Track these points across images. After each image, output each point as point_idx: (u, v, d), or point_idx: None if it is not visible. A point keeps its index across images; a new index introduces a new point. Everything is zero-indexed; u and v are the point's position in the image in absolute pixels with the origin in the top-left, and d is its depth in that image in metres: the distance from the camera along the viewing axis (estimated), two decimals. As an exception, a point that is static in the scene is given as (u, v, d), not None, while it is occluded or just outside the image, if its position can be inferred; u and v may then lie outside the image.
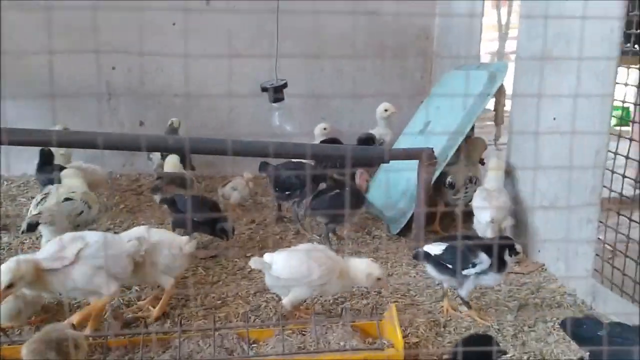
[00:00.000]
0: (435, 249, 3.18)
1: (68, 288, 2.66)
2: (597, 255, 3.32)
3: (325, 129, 5.35)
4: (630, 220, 3.11)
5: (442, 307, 3.32)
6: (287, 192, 4.45)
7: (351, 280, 2.97)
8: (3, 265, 2.50)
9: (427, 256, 3.19)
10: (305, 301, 3.11)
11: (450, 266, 3.11)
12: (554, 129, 3.68)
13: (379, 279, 2.94)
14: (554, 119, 3.68)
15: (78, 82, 5.50)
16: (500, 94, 4.72)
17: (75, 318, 2.72)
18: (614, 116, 3.42)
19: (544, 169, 3.75)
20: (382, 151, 4.30)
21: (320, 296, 3.23)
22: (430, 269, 3.23)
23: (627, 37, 3.39)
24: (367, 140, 4.88)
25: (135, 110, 5.89)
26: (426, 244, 3.30)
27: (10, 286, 2.47)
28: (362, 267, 2.94)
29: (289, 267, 2.88)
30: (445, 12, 5.83)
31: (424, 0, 6.03)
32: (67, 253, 2.64)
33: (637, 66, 3.17)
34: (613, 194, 3.21)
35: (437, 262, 3.17)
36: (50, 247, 2.71)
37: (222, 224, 3.83)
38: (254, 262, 2.93)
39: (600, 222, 3.28)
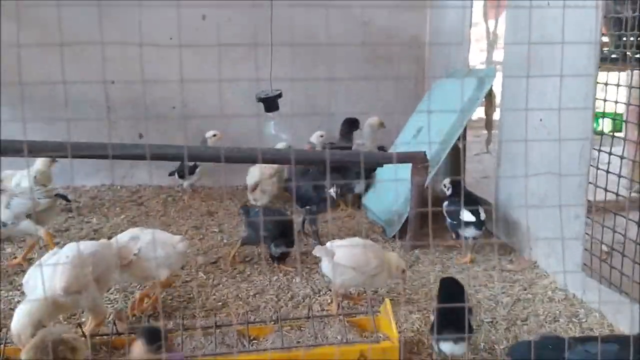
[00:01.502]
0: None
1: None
2: (585, 250, 3.42)
3: (322, 136, 5.48)
4: (616, 214, 3.22)
5: None
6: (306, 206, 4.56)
7: (389, 274, 3.24)
8: None
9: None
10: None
11: None
12: (540, 129, 3.81)
13: (404, 271, 3.28)
14: (541, 119, 3.80)
15: (78, 95, 5.62)
16: (490, 99, 4.86)
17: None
18: (612, 118, 3.56)
19: (535, 174, 3.86)
20: (380, 156, 4.42)
21: (364, 289, 3.44)
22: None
23: (616, 45, 3.56)
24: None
25: (134, 122, 6.01)
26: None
27: None
28: (394, 260, 3.26)
29: (350, 255, 3.15)
30: (436, 21, 5.98)
31: (416, 9, 6.17)
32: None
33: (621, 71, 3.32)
34: (609, 195, 3.31)
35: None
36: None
37: (276, 248, 3.89)
38: (318, 250, 3.27)
39: (588, 217, 3.38)
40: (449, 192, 4.31)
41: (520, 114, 4.10)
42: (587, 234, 3.39)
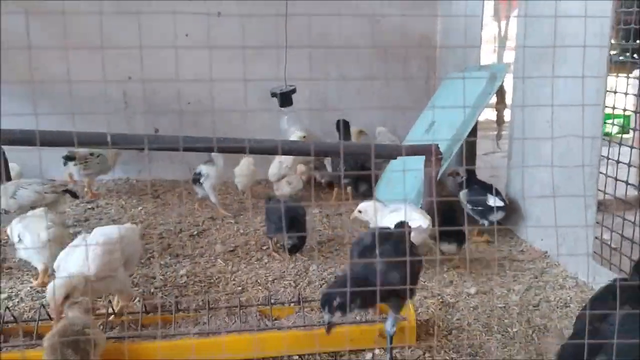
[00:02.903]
0: None
1: None
2: (596, 238, 3.51)
3: (304, 137, 5.55)
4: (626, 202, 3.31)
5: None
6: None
7: None
8: None
9: None
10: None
11: None
12: (552, 122, 3.90)
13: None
14: (552, 112, 3.89)
15: (95, 91, 5.74)
16: (500, 94, 4.95)
17: None
18: (615, 125, 3.66)
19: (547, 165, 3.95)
20: (394, 148, 4.53)
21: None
22: None
23: (623, 49, 3.64)
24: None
25: (150, 118, 6.12)
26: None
27: None
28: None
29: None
30: (447, 20, 6.08)
31: (427, 8, 6.27)
32: None
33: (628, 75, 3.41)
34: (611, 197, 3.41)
35: None
36: None
37: (290, 241, 3.97)
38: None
39: (599, 206, 3.48)
40: (461, 180, 4.47)
41: (531, 109, 4.20)
42: (597, 222, 3.49)
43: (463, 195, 4.40)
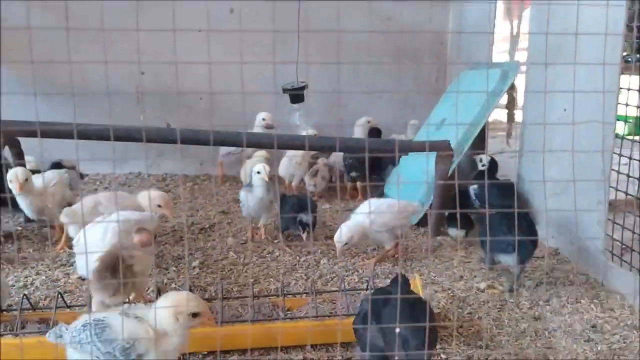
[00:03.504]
0: None
1: None
2: (607, 235, 3.53)
3: (264, 119, 5.68)
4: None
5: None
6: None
7: None
8: None
9: None
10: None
11: None
12: (564, 119, 3.91)
13: None
14: (565, 110, 3.90)
15: (109, 86, 5.78)
16: (512, 92, 4.96)
17: None
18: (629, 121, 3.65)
19: (553, 151, 3.95)
20: (406, 144, 4.55)
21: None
22: None
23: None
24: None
25: (162, 113, 6.17)
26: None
27: None
28: None
29: None
30: (458, 18, 6.10)
31: (439, 5, 6.29)
32: None
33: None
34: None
35: None
36: None
37: (302, 216, 4.00)
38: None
39: (610, 204, 3.49)
40: (482, 167, 4.53)
41: (543, 104, 4.21)
42: (609, 219, 3.50)
43: (472, 192, 4.38)
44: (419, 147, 4.44)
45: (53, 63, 2.52)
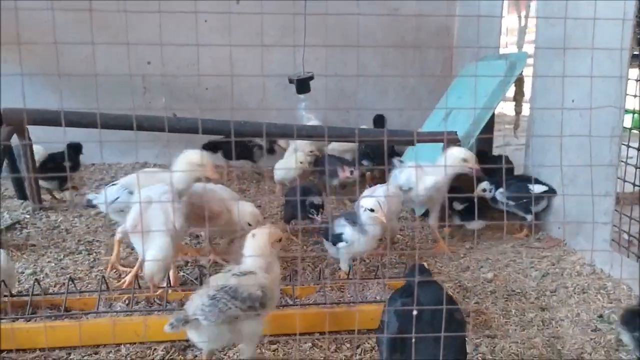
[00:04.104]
0: None
1: None
2: (614, 226, 3.53)
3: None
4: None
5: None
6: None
7: None
8: None
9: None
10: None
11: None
12: (572, 111, 3.91)
13: None
14: (573, 101, 3.90)
15: (114, 77, 5.79)
16: (520, 83, 4.95)
17: None
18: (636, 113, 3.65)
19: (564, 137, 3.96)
20: (411, 134, 4.54)
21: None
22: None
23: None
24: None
25: (168, 103, 6.17)
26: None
27: None
28: None
29: None
30: (465, 9, 6.08)
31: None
32: None
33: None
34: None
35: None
36: None
37: (311, 199, 3.96)
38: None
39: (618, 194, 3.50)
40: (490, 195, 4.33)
41: (552, 96, 4.21)
42: (616, 210, 3.50)
43: (500, 195, 4.23)
44: (427, 138, 4.44)
45: (54, 51, 2.54)
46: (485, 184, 4.29)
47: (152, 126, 4.26)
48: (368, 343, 2.74)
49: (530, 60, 4.67)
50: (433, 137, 4.34)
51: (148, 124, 4.28)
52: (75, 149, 4.91)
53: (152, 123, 4.29)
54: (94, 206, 3.72)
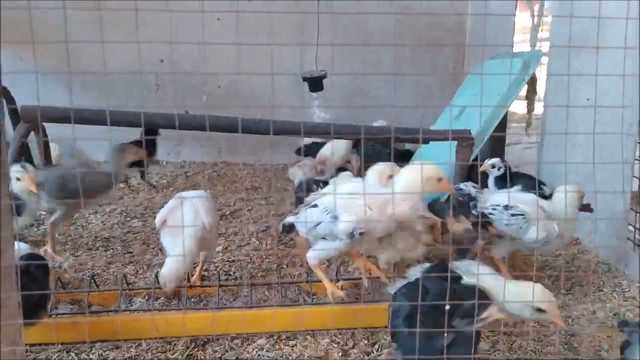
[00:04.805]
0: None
1: None
2: (629, 224, 3.53)
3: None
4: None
5: None
6: None
7: None
8: None
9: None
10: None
11: None
12: (587, 109, 3.90)
13: None
14: (588, 99, 3.89)
15: (127, 74, 5.84)
16: (532, 81, 4.95)
17: None
18: None
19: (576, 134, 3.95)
20: (423, 131, 4.54)
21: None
22: None
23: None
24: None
25: (181, 100, 6.21)
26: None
27: None
28: None
29: None
30: (478, 7, 6.08)
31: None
32: None
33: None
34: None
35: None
36: None
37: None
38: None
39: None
40: (498, 173, 4.22)
41: (566, 94, 4.20)
42: (631, 209, 3.50)
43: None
44: (440, 136, 4.44)
45: (73, 51, 2.57)
46: (495, 160, 4.18)
47: (166, 123, 4.28)
48: (384, 339, 2.76)
49: (543, 59, 4.67)
50: (443, 135, 4.33)
51: (163, 121, 4.30)
52: (152, 134, 4.89)
53: (167, 120, 4.32)
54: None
